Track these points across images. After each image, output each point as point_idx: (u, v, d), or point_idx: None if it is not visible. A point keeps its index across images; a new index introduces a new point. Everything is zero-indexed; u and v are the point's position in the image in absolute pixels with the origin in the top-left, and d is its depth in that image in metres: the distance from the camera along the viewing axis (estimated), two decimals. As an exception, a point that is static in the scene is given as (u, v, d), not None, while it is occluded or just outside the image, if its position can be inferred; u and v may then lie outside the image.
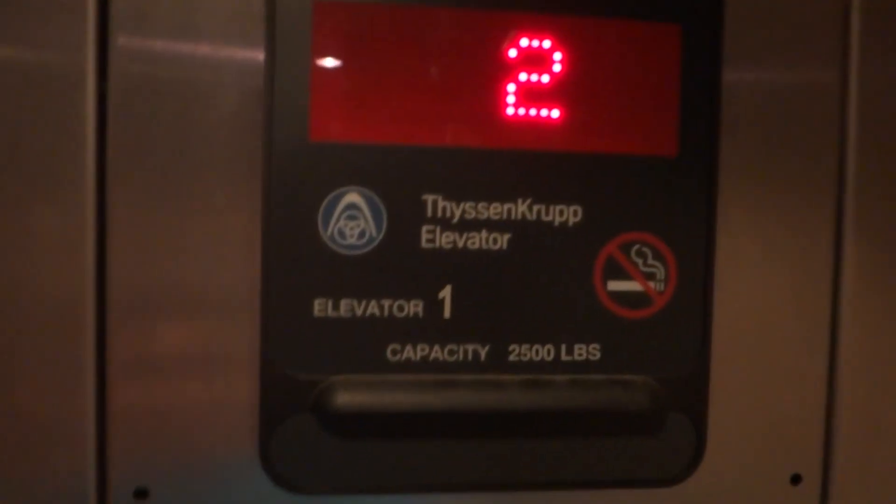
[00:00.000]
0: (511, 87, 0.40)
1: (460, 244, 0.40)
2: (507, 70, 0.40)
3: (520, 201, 0.40)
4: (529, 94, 0.40)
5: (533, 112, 0.40)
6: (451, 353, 0.40)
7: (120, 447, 0.39)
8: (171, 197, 0.38)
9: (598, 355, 0.41)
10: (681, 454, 0.42)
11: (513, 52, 0.40)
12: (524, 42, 0.40)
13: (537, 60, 0.40)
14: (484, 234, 0.40)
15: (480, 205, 0.40)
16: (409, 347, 0.40)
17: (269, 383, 0.39)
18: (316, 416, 0.39)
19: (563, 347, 0.41)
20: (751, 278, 0.43)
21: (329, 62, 0.39)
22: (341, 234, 0.39)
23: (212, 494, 0.39)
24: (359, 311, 0.39)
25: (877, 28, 0.43)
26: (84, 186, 0.38)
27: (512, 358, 0.40)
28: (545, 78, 0.40)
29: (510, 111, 0.40)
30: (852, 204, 0.43)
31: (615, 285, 0.41)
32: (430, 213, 0.40)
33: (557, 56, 0.40)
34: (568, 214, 0.41)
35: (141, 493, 0.39)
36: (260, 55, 0.38)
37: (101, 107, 0.38)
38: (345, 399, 0.38)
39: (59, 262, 0.38)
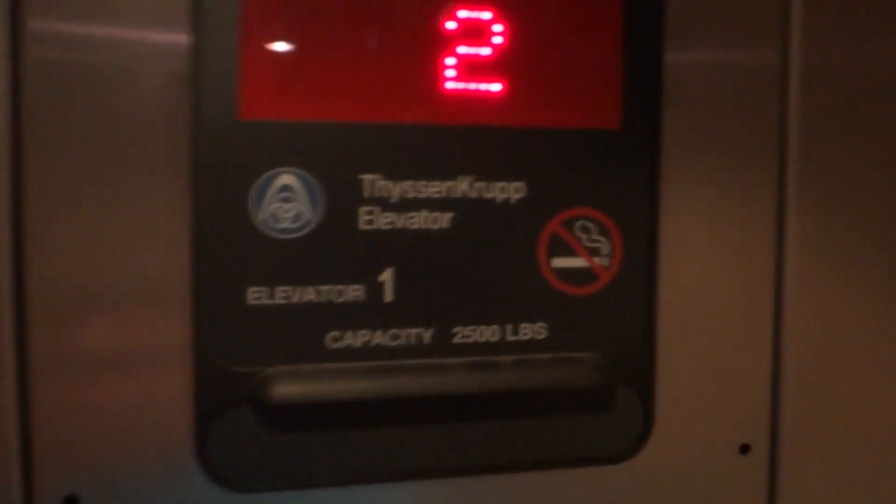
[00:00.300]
0: (450, 61, 0.38)
1: (400, 225, 0.38)
2: (446, 42, 0.38)
3: (461, 178, 0.39)
4: (469, 68, 0.38)
5: (473, 86, 0.39)
6: (393, 337, 0.39)
7: (46, 452, 0.36)
8: (92, 187, 0.36)
9: (545, 334, 0.40)
10: (630, 429, 0.42)
11: (451, 24, 0.38)
12: (463, 13, 0.38)
13: (477, 32, 0.38)
14: (424, 213, 0.39)
15: (420, 183, 0.38)
16: (349, 334, 0.38)
17: (204, 376, 0.37)
18: (254, 409, 0.37)
19: (509, 328, 0.40)
20: (695, 252, 0.42)
21: (258, 37, 0.36)
22: (275, 217, 0.37)
23: (147, 498, 0.37)
24: (295, 298, 0.38)
25: (816, 8, 0.43)
26: None
27: (457, 340, 0.39)
28: (485, 51, 0.39)
29: (449, 85, 0.38)
30: (794, 177, 0.43)
31: (560, 262, 0.40)
32: (367, 193, 0.38)
33: (498, 28, 0.39)
34: (510, 191, 0.39)
35: (70, 500, 0.36)
36: (183, 37, 0.36)
37: (14, 95, 0.35)
38: (283, 390, 0.37)
39: None
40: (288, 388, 0.37)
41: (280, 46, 0.36)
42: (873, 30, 0.44)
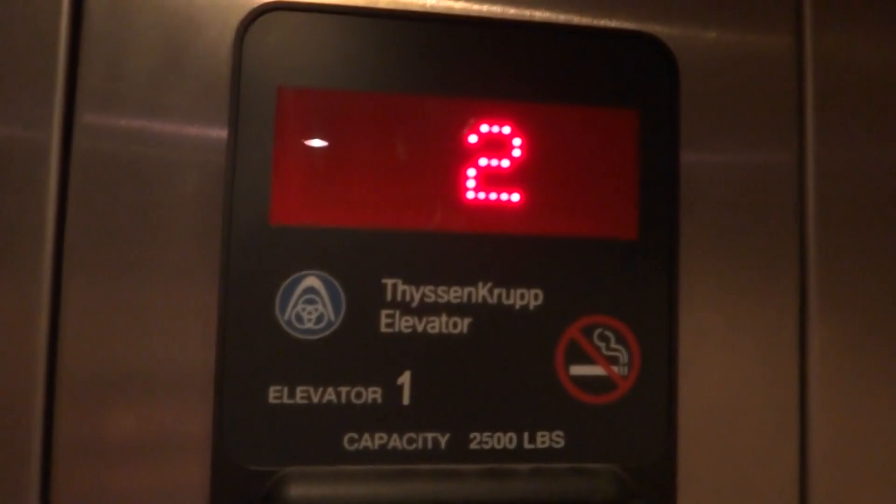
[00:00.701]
0: (471, 172, 0.40)
1: (420, 328, 0.39)
2: (468, 155, 0.40)
3: (480, 285, 0.40)
4: (489, 179, 0.40)
5: (493, 196, 0.40)
6: (410, 441, 0.39)
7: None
8: (128, 276, 0.38)
9: (562, 443, 0.40)
10: (650, 547, 0.40)
11: (473, 138, 0.40)
12: (484, 128, 0.40)
13: (497, 146, 0.40)
14: (444, 318, 0.39)
15: (440, 288, 0.40)
16: (366, 436, 0.39)
17: (221, 473, 0.37)
18: (268, 509, 0.37)
19: (526, 435, 0.40)
20: (717, 360, 0.42)
21: (291, 147, 0.39)
22: (299, 318, 0.38)
23: None
24: (315, 398, 0.38)
25: (830, 109, 0.44)
26: (41, 262, 0.37)
27: (473, 446, 0.39)
28: (505, 163, 0.40)
29: (470, 195, 0.40)
30: (815, 280, 0.43)
31: (578, 370, 0.40)
32: (389, 297, 0.39)
33: (517, 142, 0.40)
34: (529, 298, 0.40)
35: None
36: (223, 134, 0.39)
37: (62, 182, 0.38)
38: (299, 492, 0.37)
39: (10, 338, 0.37)
40: (303, 490, 0.37)
41: (310, 157, 0.39)
42: (889, 130, 0.45)
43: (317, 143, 0.39)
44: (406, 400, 0.39)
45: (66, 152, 0.38)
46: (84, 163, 0.38)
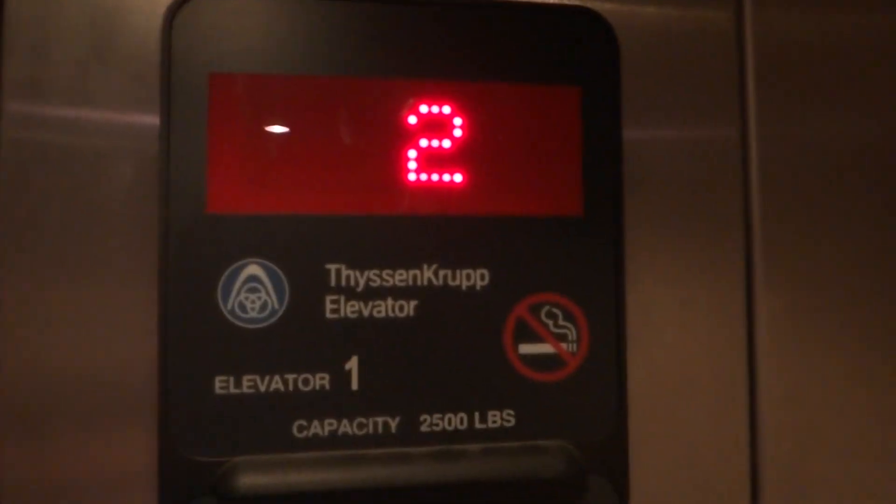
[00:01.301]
0: (412, 154, 0.40)
1: (366, 313, 0.39)
2: (408, 136, 0.40)
3: (425, 267, 0.40)
4: (431, 160, 0.40)
5: (435, 177, 0.40)
6: (360, 426, 0.39)
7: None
8: (64, 272, 0.37)
9: (513, 421, 0.40)
10: (604, 520, 0.41)
11: (413, 119, 0.40)
12: (424, 108, 0.40)
13: (438, 126, 0.40)
14: (390, 301, 0.39)
15: (385, 272, 0.39)
16: (316, 423, 0.38)
17: (169, 467, 0.37)
18: (218, 499, 0.37)
19: (477, 415, 0.40)
20: (665, 334, 0.42)
21: (226, 134, 0.38)
22: (242, 307, 0.38)
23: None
24: (262, 387, 0.38)
25: (771, 83, 0.44)
26: None
27: (424, 428, 0.39)
28: (446, 143, 0.40)
29: (412, 177, 0.40)
30: (760, 252, 0.44)
31: (527, 348, 0.40)
32: (333, 282, 0.39)
33: (458, 121, 0.40)
34: (475, 278, 0.40)
35: None
36: (155, 122, 0.38)
37: None
38: (249, 480, 0.37)
39: None
40: (251, 479, 0.37)
41: (246, 143, 0.38)
42: (829, 103, 0.45)
43: (252, 129, 0.38)
44: (355, 385, 0.39)
45: None
46: (12, 154, 0.37)
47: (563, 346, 0.41)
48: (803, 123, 0.45)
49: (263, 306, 0.38)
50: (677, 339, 0.43)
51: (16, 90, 0.37)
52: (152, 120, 0.38)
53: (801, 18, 0.45)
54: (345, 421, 0.39)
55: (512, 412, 0.40)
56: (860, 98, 0.46)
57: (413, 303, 0.39)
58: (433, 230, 0.40)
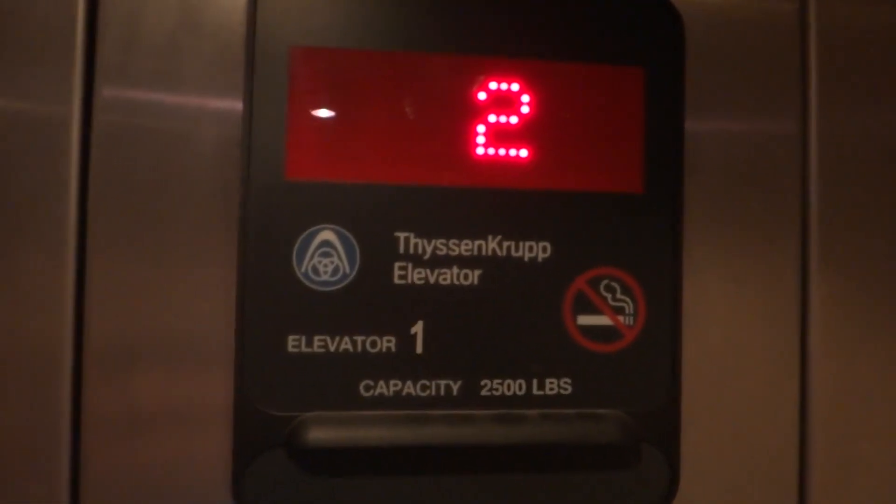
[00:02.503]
0: (481, 128, 0.41)
1: (432, 280, 0.41)
2: (477, 112, 0.41)
3: (490, 238, 0.41)
4: (498, 135, 0.41)
5: (502, 152, 0.41)
6: (423, 388, 0.40)
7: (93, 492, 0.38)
8: (150, 244, 0.39)
9: (570, 389, 0.41)
10: (655, 487, 0.42)
11: (482, 95, 0.41)
12: (493, 85, 0.41)
13: (506, 102, 0.41)
14: (455, 270, 0.41)
15: (451, 241, 0.41)
16: (381, 383, 0.40)
17: (243, 420, 0.39)
18: (288, 452, 0.39)
19: (535, 382, 0.41)
20: (718, 311, 0.43)
21: (304, 105, 0.40)
22: (315, 270, 0.40)
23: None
24: (332, 347, 0.40)
25: (833, 75, 0.45)
26: (66, 233, 0.38)
27: (484, 393, 0.41)
28: (513, 119, 0.41)
29: (480, 151, 0.41)
30: (816, 239, 0.44)
31: (585, 319, 0.42)
32: (402, 249, 0.40)
33: (525, 98, 0.42)
34: (537, 250, 0.41)
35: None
36: (237, 104, 0.40)
37: (83, 155, 0.39)
38: (317, 435, 0.39)
39: (37, 313, 0.38)
40: (321, 433, 0.39)
41: (324, 114, 0.40)
42: (891, 96, 0.46)
43: (329, 100, 0.40)
44: (419, 349, 0.40)
45: (86, 125, 0.39)
46: (104, 135, 0.39)
47: (621, 318, 0.42)
48: (864, 118, 0.45)
49: (335, 270, 0.40)
50: (731, 317, 0.44)
51: (110, 73, 0.39)
52: (236, 95, 0.40)
53: (865, 11, 0.46)
54: (409, 382, 0.40)
55: (569, 380, 0.41)
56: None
57: (477, 272, 0.41)
58: (498, 203, 0.41)
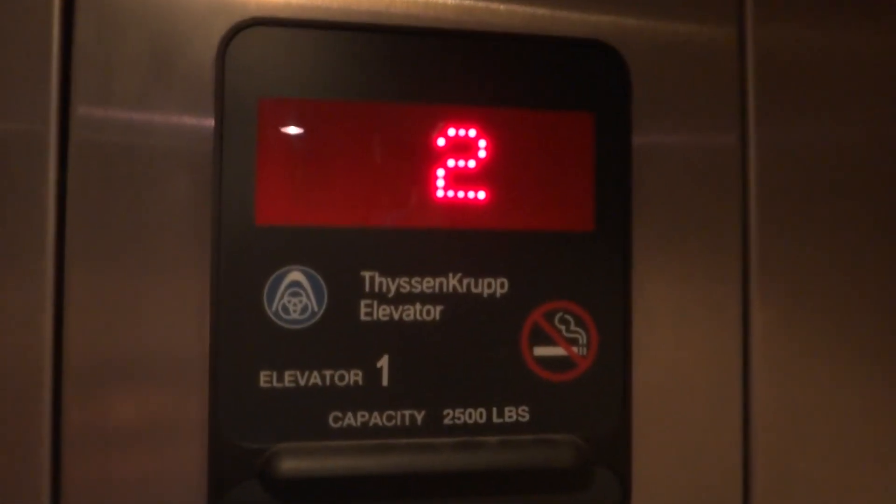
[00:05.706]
0: (440, 172, 0.44)
1: (396, 316, 0.43)
2: (437, 157, 0.44)
3: (451, 275, 0.44)
4: (457, 178, 0.44)
5: (461, 194, 0.44)
6: (389, 418, 0.43)
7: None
8: (127, 265, 0.41)
9: (527, 416, 0.44)
10: (608, 508, 0.45)
11: (441, 141, 0.44)
12: (451, 132, 0.44)
13: (464, 148, 0.44)
14: (418, 306, 0.43)
15: (414, 279, 0.43)
16: (349, 414, 0.43)
17: (218, 452, 0.41)
18: (262, 482, 0.41)
19: (495, 410, 0.44)
20: (666, 339, 0.46)
21: (273, 154, 0.42)
22: (285, 309, 0.42)
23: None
24: (302, 382, 0.42)
25: (770, 94, 0.48)
26: (44, 254, 0.40)
27: (447, 421, 0.43)
28: (471, 163, 0.44)
29: (440, 193, 0.44)
30: (756, 263, 0.47)
31: (541, 351, 0.44)
32: (367, 288, 0.43)
33: (482, 143, 0.44)
34: (495, 286, 0.44)
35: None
36: (209, 142, 0.42)
37: (60, 175, 0.40)
38: (289, 465, 0.41)
39: (17, 331, 0.40)
40: (293, 464, 0.41)
41: (292, 162, 0.42)
42: (826, 113, 0.48)
43: (297, 149, 0.42)
44: (385, 381, 0.43)
45: (62, 144, 0.40)
46: (80, 154, 0.40)
47: (574, 349, 0.45)
48: (800, 132, 0.48)
49: (304, 309, 0.42)
50: (677, 344, 0.46)
51: (84, 94, 0.41)
52: (207, 139, 0.42)
53: (799, 32, 0.49)
54: (376, 413, 0.43)
55: (526, 408, 0.44)
56: (856, 109, 0.49)
57: (439, 308, 0.43)
58: (458, 242, 0.44)
